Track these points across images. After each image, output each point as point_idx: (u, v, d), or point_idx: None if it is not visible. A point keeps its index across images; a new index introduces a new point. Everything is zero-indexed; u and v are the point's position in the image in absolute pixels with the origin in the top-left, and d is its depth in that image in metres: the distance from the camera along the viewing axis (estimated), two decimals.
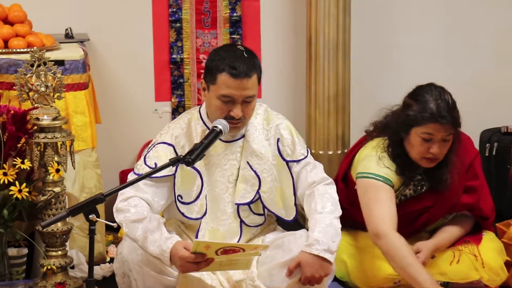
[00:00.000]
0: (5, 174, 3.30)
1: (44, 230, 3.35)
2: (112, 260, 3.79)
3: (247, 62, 3.01)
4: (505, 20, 4.77)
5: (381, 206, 3.28)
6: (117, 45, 4.46)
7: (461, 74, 4.70)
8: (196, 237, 3.13)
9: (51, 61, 3.45)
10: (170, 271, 2.98)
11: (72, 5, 4.37)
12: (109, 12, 4.43)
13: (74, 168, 3.51)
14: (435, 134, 3.26)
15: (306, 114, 4.43)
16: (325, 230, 3.03)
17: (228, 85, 2.99)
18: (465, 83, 4.64)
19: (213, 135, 2.96)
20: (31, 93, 3.40)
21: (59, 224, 3.38)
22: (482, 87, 4.77)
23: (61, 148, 3.37)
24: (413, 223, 3.47)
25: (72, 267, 3.59)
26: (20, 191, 3.30)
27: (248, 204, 3.17)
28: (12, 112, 3.40)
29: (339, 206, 3.15)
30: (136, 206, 3.01)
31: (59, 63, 3.60)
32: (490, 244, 3.50)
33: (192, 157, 2.85)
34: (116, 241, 4.09)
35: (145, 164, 3.10)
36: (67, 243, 3.48)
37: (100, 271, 3.75)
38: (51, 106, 3.41)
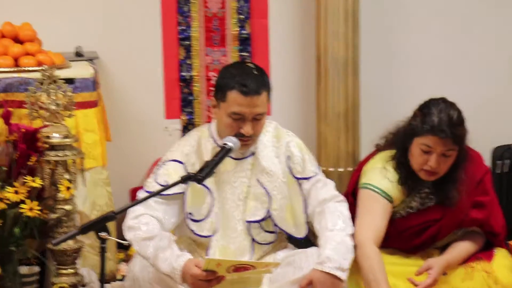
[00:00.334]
0: (16, 192, 3.30)
1: (55, 248, 3.34)
2: (123, 278, 3.78)
3: (257, 79, 3.01)
4: None
5: (369, 217, 3.29)
6: (127, 63, 4.47)
7: (473, 91, 4.68)
8: (207, 254, 3.12)
9: (61, 79, 3.46)
10: None
11: (82, 23, 4.38)
12: (118, 30, 4.44)
13: (84, 186, 3.51)
14: (434, 147, 3.26)
15: (316, 131, 4.43)
16: (336, 247, 3.02)
17: (239, 102, 3.00)
18: (477, 100, 4.62)
19: (223, 153, 2.96)
20: (41, 111, 3.40)
21: (70, 242, 3.37)
22: (494, 103, 4.75)
23: (71, 166, 3.37)
24: (420, 236, 3.45)
25: (83, 285, 3.58)
26: (31, 209, 3.30)
27: (259, 221, 3.17)
28: (23, 130, 3.40)
29: (350, 223, 3.15)
30: (147, 224, 3.01)
31: (69, 81, 3.61)
32: (502, 261, 3.48)
33: (202, 174, 2.85)
34: (127, 259, 4.08)
35: (156, 181, 3.10)
36: (78, 261, 3.47)
37: None
38: (62, 124, 3.41)
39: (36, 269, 3.62)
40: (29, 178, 3.32)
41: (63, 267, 3.41)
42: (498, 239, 3.55)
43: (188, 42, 4.53)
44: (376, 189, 3.34)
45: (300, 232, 3.20)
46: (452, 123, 3.26)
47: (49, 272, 3.54)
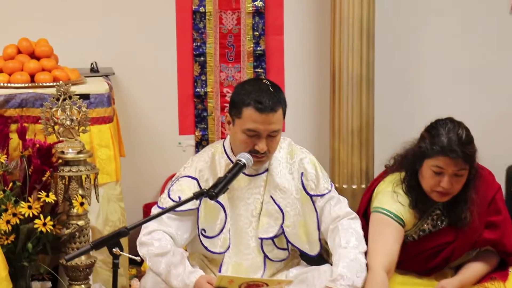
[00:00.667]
0: (30, 207, 3.31)
1: (68, 263, 3.34)
2: None
3: (272, 96, 3.01)
4: None
5: (380, 242, 3.26)
6: (142, 79, 4.49)
7: (488, 108, 4.67)
8: (220, 271, 3.11)
9: (77, 95, 3.47)
10: None
11: (98, 39, 4.41)
12: (134, 46, 4.47)
13: (98, 202, 3.51)
14: (445, 168, 3.23)
15: (330, 148, 4.42)
16: (349, 265, 3.01)
17: (254, 119, 2.99)
18: (491, 117, 4.61)
19: (236, 169, 2.95)
20: (56, 127, 3.42)
21: (82, 257, 3.38)
22: (508, 121, 4.73)
23: (85, 181, 3.38)
24: (434, 259, 3.43)
25: None
26: (44, 224, 3.31)
27: (272, 238, 3.15)
28: (37, 145, 3.42)
29: (363, 241, 3.13)
30: (159, 240, 3.01)
31: (84, 97, 3.62)
32: None
33: (215, 190, 2.85)
34: (140, 275, 4.08)
35: (169, 197, 3.10)
36: (90, 277, 3.47)
37: None
38: (76, 140, 3.43)
39: (49, 284, 3.62)
40: (43, 193, 3.33)
41: (76, 282, 3.42)
42: None
43: (203, 58, 4.54)
44: (388, 213, 3.31)
45: (313, 249, 3.19)
46: (461, 142, 3.23)
47: (62, 287, 3.54)
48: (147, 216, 2.93)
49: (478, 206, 3.35)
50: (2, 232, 3.29)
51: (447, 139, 3.23)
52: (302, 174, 3.19)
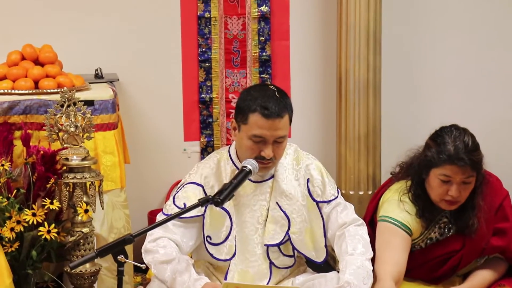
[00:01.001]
0: (34, 214, 3.30)
1: (73, 271, 3.33)
2: None
3: (279, 102, 3.00)
4: None
5: (388, 251, 3.24)
6: (146, 85, 4.48)
7: (495, 113, 4.64)
8: (225, 278, 3.10)
9: (81, 101, 3.46)
10: None
11: (102, 45, 4.40)
12: (138, 52, 4.45)
13: (102, 209, 3.50)
14: (453, 176, 3.21)
15: (336, 154, 4.40)
16: (356, 272, 2.99)
17: (260, 125, 2.98)
18: (499, 123, 4.58)
19: (242, 175, 2.94)
20: (60, 134, 3.40)
21: (87, 265, 3.36)
22: None
23: (90, 188, 3.37)
24: (442, 267, 3.41)
25: None
26: (49, 231, 3.29)
27: (278, 245, 3.14)
28: (41, 152, 3.41)
29: (370, 248, 3.12)
30: (165, 247, 2.99)
31: (89, 103, 3.61)
32: None
33: (221, 197, 2.83)
34: (145, 283, 4.07)
35: (174, 204, 3.09)
36: (95, 285, 3.46)
37: None
38: (80, 147, 3.41)
39: None
40: (47, 200, 3.32)
41: None
42: None
43: (208, 64, 4.53)
44: (395, 222, 3.30)
45: (319, 256, 3.18)
46: (468, 149, 3.21)
47: None
48: (152, 223, 2.91)
49: (485, 213, 3.33)
50: (6, 239, 3.28)
51: (454, 147, 3.20)
52: (308, 180, 3.17)
